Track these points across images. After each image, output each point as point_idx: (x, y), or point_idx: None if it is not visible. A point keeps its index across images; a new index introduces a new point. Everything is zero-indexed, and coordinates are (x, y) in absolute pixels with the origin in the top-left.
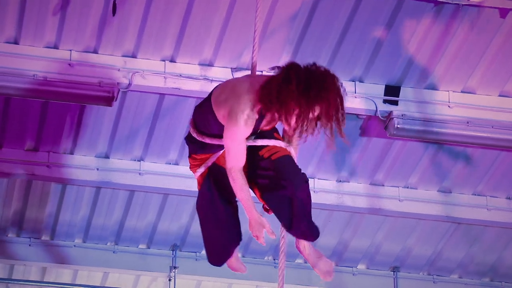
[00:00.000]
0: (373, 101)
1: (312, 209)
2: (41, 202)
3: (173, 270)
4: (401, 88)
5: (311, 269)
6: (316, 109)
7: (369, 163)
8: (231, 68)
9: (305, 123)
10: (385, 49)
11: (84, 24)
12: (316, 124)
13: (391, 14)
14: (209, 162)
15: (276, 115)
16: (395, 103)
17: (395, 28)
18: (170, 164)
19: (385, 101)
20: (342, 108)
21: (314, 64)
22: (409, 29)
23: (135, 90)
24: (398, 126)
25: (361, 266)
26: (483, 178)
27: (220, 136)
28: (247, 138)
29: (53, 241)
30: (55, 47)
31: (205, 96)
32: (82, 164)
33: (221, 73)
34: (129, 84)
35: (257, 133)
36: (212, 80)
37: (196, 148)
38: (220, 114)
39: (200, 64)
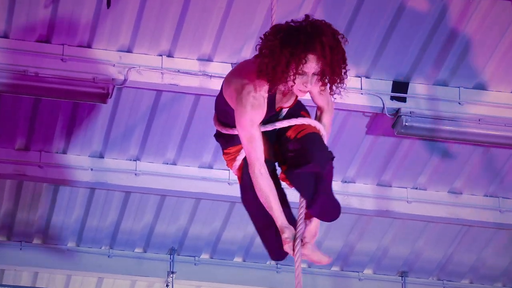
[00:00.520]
0: (380, 98)
1: None
2: (32, 204)
3: (171, 275)
4: (410, 84)
5: (315, 274)
6: (310, 57)
7: (376, 163)
8: (231, 63)
9: (305, 77)
10: (393, 43)
11: (77, 17)
12: (321, 76)
13: (398, 5)
14: (243, 154)
15: (278, 82)
16: (403, 100)
17: (402, 21)
18: (167, 164)
19: (392, 98)
20: (339, 52)
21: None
22: (418, 21)
23: (130, 87)
24: (406, 124)
25: (368, 271)
26: (495, 179)
27: None
28: (267, 123)
29: (45, 245)
30: (47, 41)
31: (204, 92)
32: (75, 164)
33: (220, 69)
34: (125, 80)
35: (278, 115)
36: (211, 76)
37: (225, 142)
38: (232, 102)
39: (198, 59)
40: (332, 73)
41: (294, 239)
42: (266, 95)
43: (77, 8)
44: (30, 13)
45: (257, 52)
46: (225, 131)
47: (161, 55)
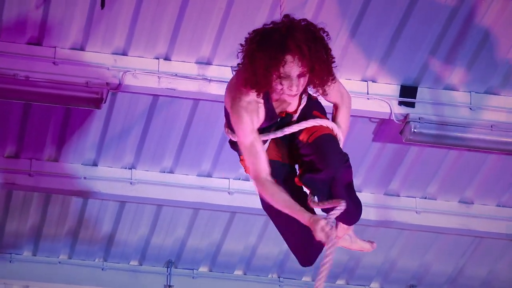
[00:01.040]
0: (388, 103)
1: None
2: (22, 214)
3: None
4: (418, 88)
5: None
6: (288, 58)
7: (383, 171)
8: (231, 66)
9: (289, 79)
10: (401, 45)
11: (70, 18)
12: (306, 76)
13: (407, 6)
14: None
15: (262, 87)
16: (412, 105)
17: (411, 22)
18: (164, 172)
19: (400, 103)
20: (320, 49)
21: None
22: (427, 23)
23: (126, 91)
24: (415, 130)
25: (375, 285)
26: (508, 188)
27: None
28: (276, 129)
29: (36, 257)
30: (38, 43)
31: (202, 97)
32: (67, 172)
33: (220, 72)
34: (120, 85)
35: (288, 119)
36: (210, 80)
37: (239, 150)
38: (229, 110)
39: (197, 63)
40: (317, 72)
41: (326, 225)
42: (261, 100)
43: (70, 9)
44: (20, 14)
45: (238, 59)
46: (234, 138)
47: (158, 58)
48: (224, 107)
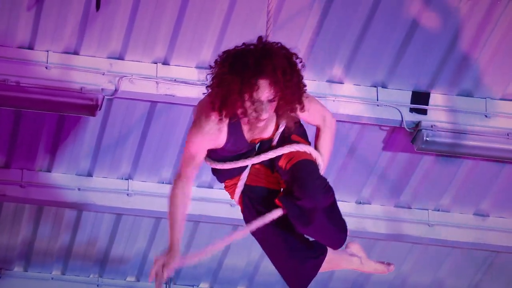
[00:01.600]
0: (398, 110)
1: None
2: (13, 227)
3: None
4: (431, 94)
5: None
6: (261, 83)
7: (393, 182)
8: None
9: (258, 104)
10: (412, 49)
11: (63, 20)
12: (276, 101)
13: (418, 8)
14: (239, 187)
15: (230, 112)
16: (424, 112)
17: (423, 24)
18: (163, 183)
19: (412, 110)
20: (294, 76)
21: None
22: (440, 25)
23: (122, 97)
24: (427, 139)
25: None
26: None
27: (228, 158)
28: (247, 157)
29: (27, 273)
30: (30, 47)
31: None
32: (61, 183)
33: None
34: (116, 91)
35: (265, 145)
36: None
37: (218, 177)
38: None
39: (197, 67)
40: (288, 98)
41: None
42: (224, 127)
43: (63, 11)
44: (11, 16)
45: (207, 82)
46: (214, 165)
47: (156, 63)
48: None
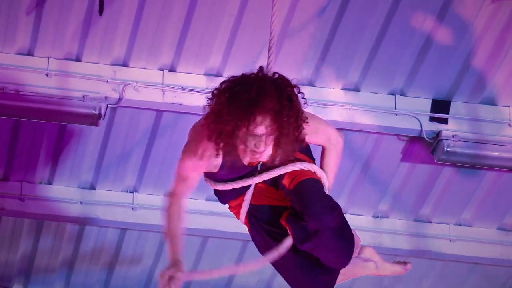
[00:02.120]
0: (417, 119)
1: None
2: (12, 243)
3: None
4: (452, 102)
5: None
6: (259, 119)
7: (412, 195)
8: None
9: (255, 138)
10: (432, 55)
11: (64, 25)
12: (273, 135)
13: (439, 10)
14: (245, 207)
15: (226, 147)
16: (444, 121)
17: (444, 28)
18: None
19: (432, 119)
20: (292, 113)
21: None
22: (462, 29)
23: (126, 106)
24: (448, 149)
25: None
26: None
27: (229, 179)
28: (249, 176)
29: None
30: (29, 53)
31: None
32: (62, 196)
33: None
34: (120, 99)
35: (267, 164)
36: None
37: (221, 198)
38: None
39: (206, 74)
40: (285, 134)
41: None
42: (220, 153)
43: (64, 15)
44: (10, 21)
45: (204, 112)
46: (214, 186)
47: (162, 69)
48: None
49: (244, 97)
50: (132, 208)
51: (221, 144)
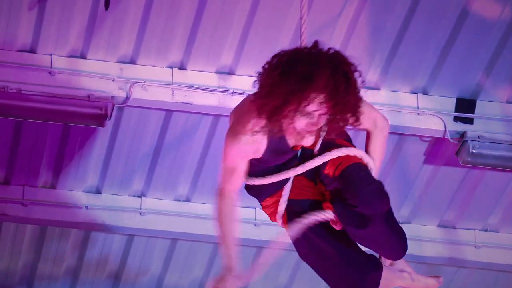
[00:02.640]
0: (441, 119)
1: None
2: (13, 250)
3: None
4: (477, 101)
5: None
6: (313, 96)
7: (436, 199)
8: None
9: (309, 117)
10: (456, 51)
11: (68, 21)
12: (329, 115)
13: (462, 6)
14: (283, 203)
15: (277, 124)
16: (470, 121)
17: (469, 21)
18: (179, 201)
19: (456, 119)
20: (350, 89)
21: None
22: (489, 22)
23: (134, 106)
24: (474, 151)
25: None
26: None
27: (267, 171)
28: (290, 167)
29: None
30: (32, 51)
31: (223, 112)
32: (66, 201)
33: (244, 83)
34: (127, 98)
35: (306, 154)
36: (233, 92)
37: (257, 195)
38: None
39: (217, 72)
40: (342, 113)
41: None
42: (265, 135)
43: (69, 10)
44: (11, 17)
45: (255, 88)
46: (251, 182)
47: (171, 67)
48: None
49: (296, 72)
50: (140, 213)
51: (271, 120)
